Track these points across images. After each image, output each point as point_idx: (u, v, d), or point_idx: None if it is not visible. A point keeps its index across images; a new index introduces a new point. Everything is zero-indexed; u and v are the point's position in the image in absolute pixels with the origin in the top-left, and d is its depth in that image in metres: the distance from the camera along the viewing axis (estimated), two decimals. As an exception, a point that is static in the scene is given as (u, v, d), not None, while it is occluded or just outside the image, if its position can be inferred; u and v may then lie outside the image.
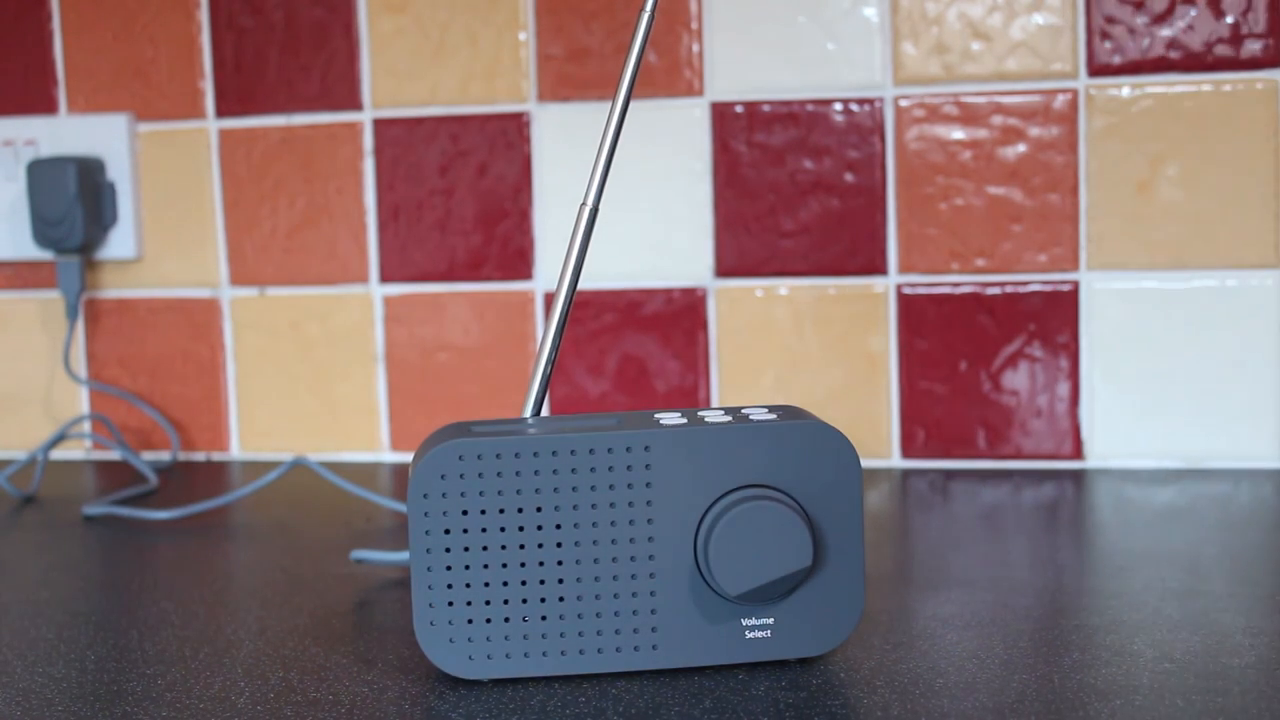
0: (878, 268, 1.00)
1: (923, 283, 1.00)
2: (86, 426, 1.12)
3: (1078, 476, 0.96)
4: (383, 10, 1.05)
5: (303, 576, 0.76)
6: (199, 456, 1.12)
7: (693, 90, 1.01)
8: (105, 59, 1.10)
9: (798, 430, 0.58)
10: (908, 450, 1.01)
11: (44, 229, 1.08)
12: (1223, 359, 0.96)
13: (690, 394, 1.03)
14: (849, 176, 1.00)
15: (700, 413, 0.60)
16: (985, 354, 0.99)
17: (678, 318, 1.03)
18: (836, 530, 0.58)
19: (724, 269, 1.02)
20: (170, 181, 1.10)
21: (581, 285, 1.03)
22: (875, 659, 0.60)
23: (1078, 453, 0.99)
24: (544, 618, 0.58)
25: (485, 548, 0.57)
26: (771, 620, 0.58)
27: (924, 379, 1.00)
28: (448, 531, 0.57)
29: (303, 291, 1.09)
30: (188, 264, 1.10)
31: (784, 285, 1.02)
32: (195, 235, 1.10)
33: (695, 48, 1.01)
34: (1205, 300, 0.96)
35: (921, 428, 1.00)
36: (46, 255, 1.11)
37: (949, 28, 0.98)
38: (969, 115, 0.98)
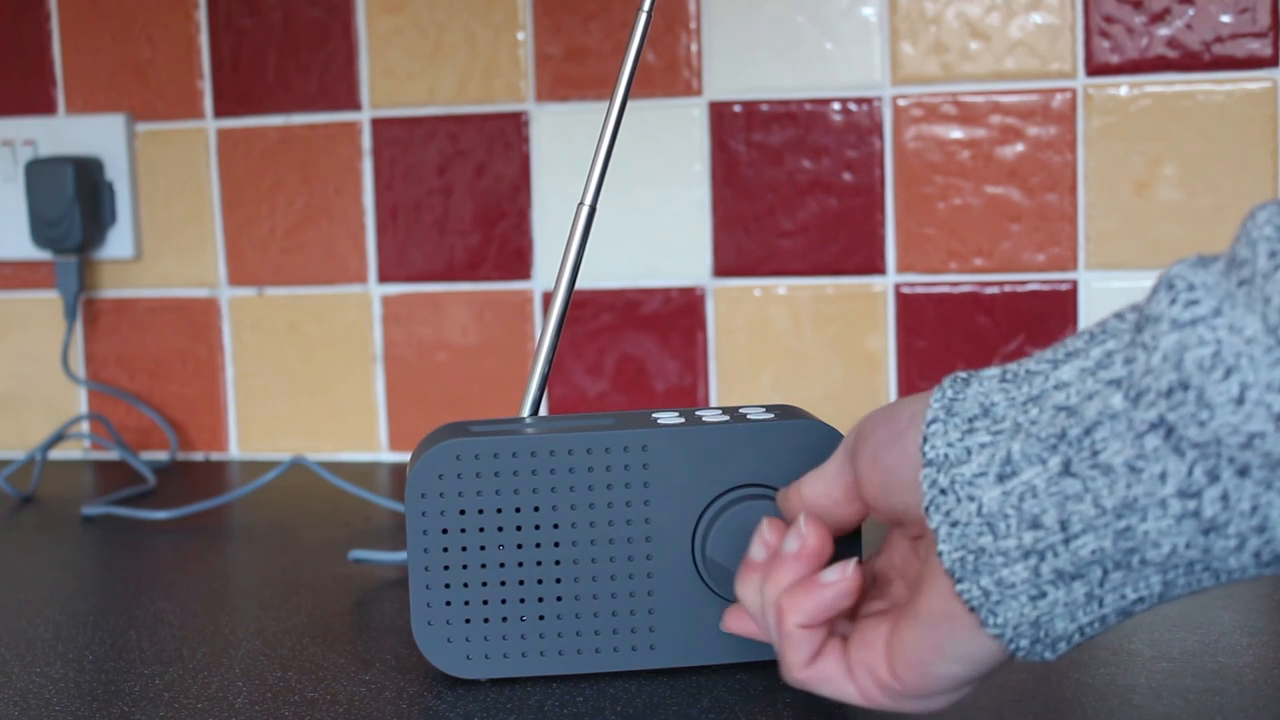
0: (876, 267, 1.00)
1: (921, 282, 1.00)
2: (85, 426, 1.12)
3: (1076, 476, 0.96)
4: (381, 10, 1.05)
5: (301, 576, 0.76)
6: (197, 456, 1.12)
7: (691, 90, 1.01)
8: (103, 59, 1.10)
9: (796, 430, 0.58)
10: (906, 450, 1.01)
11: (42, 229, 1.08)
12: (1221, 358, 0.96)
13: (688, 393, 1.03)
14: (847, 176, 1.00)
15: (698, 412, 0.60)
16: (984, 353, 0.99)
17: (676, 317, 1.03)
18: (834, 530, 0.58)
19: (722, 268, 1.02)
20: (169, 182, 1.10)
21: (580, 285, 1.03)
22: (873, 658, 0.60)
23: (1076, 452, 0.98)
24: (541, 617, 0.58)
25: (483, 547, 0.57)
26: (769, 620, 0.58)
27: (922, 378, 1.00)
28: (445, 531, 0.57)
29: (301, 291, 1.09)
30: (186, 264, 1.10)
31: (782, 285, 1.02)
32: (194, 235, 1.10)
33: (693, 47, 1.01)
34: (1204, 299, 0.96)
35: (920, 427, 1.00)
36: (45, 255, 1.11)
37: (947, 27, 0.98)
38: (967, 115, 0.98)
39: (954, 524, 0.45)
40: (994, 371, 0.47)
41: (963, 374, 0.48)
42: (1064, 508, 0.43)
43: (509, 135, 1.04)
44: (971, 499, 0.45)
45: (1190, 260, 0.41)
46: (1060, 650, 0.46)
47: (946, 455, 0.46)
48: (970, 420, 0.46)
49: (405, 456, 1.08)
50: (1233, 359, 0.38)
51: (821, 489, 0.52)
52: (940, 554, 0.45)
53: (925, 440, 0.46)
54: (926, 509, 0.46)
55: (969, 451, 0.45)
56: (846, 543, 0.58)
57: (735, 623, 0.55)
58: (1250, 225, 0.39)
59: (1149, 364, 0.40)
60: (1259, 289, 0.38)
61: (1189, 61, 0.95)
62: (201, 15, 1.08)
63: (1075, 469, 0.42)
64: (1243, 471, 0.39)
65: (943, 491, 0.45)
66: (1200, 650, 0.60)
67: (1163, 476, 0.40)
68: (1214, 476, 0.39)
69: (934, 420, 0.46)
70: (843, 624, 0.52)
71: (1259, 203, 0.40)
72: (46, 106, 1.11)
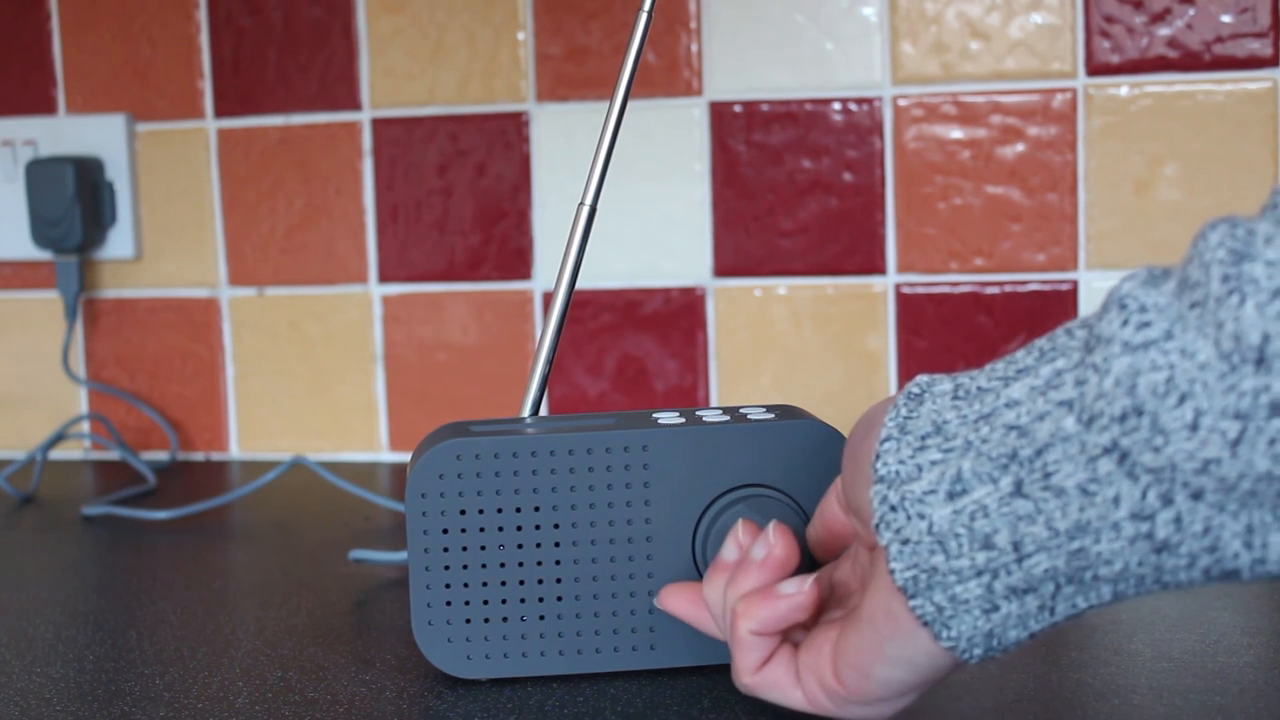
0: (876, 267, 1.00)
1: (921, 282, 1.00)
2: (85, 426, 1.12)
3: (1076, 476, 0.96)
4: (381, 10, 1.05)
5: (301, 576, 0.76)
6: (198, 456, 1.12)
7: (691, 90, 1.01)
8: (104, 59, 1.10)
9: (796, 430, 0.58)
10: (906, 450, 1.01)
11: (43, 229, 1.08)
12: (1221, 358, 0.96)
13: (689, 393, 1.03)
14: (847, 176, 1.00)
15: (698, 412, 0.60)
16: (984, 353, 0.99)
17: (676, 317, 1.03)
18: (834, 529, 0.58)
19: (723, 268, 1.02)
20: (169, 182, 1.10)
21: (580, 285, 1.03)
22: (873, 658, 0.60)
23: (1076, 452, 0.98)
24: (542, 617, 0.58)
25: (483, 547, 0.57)
26: (769, 620, 0.58)
27: (923, 378, 1.00)
28: (446, 531, 0.57)
29: (301, 291, 1.09)
30: (186, 264, 1.10)
31: (783, 285, 1.02)
32: (194, 235, 1.10)
33: (694, 47, 1.01)
34: (1204, 299, 0.96)
35: (920, 427, 1.00)
36: (45, 255, 1.11)
37: (947, 27, 0.98)
38: (968, 115, 0.98)
39: (904, 541, 0.45)
40: (947, 386, 0.47)
41: (916, 387, 0.48)
42: (1016, 528, 0.43)
43: (509, 135, 1.04)
44: (922, 516, 0.45)
45: (1140, 276, 0.41)
46: (1010, 651, 0.46)
47: (897, 472, 0.46)
48: (922, 438, 0.46)
49: (405, 456, 1.08)
50: (1186, 385, 0.38)
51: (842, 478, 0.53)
52: (892, 571, 0.45)
53: (878, 457, 0.46)
54: (877, 526, 0.46)
55: (920, 469, 0.45)
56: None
57: (671, 601, 0.56)
58: (1203, 246, 0.39)
59: (1101, 387, 0.40)
60: (1211, 313, 0.38)
61: (1189, 61, 0.95)
62: (201, 15, 1.08)
63: (1027, 490, 0.42)
64: (1196, 495, 0.39)
65: (893, 508, 0.45)
66: (1201, 650, 0.60)
67: (1116, 500, 0.41)
68: (1167, 500, 0.40)
69: (887, 438, 0.47)
70: (798, 632, 0.52)
71: (1210, 220, 0.40)
72: (46, 106, 1.11)
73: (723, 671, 0.59)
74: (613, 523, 0.58)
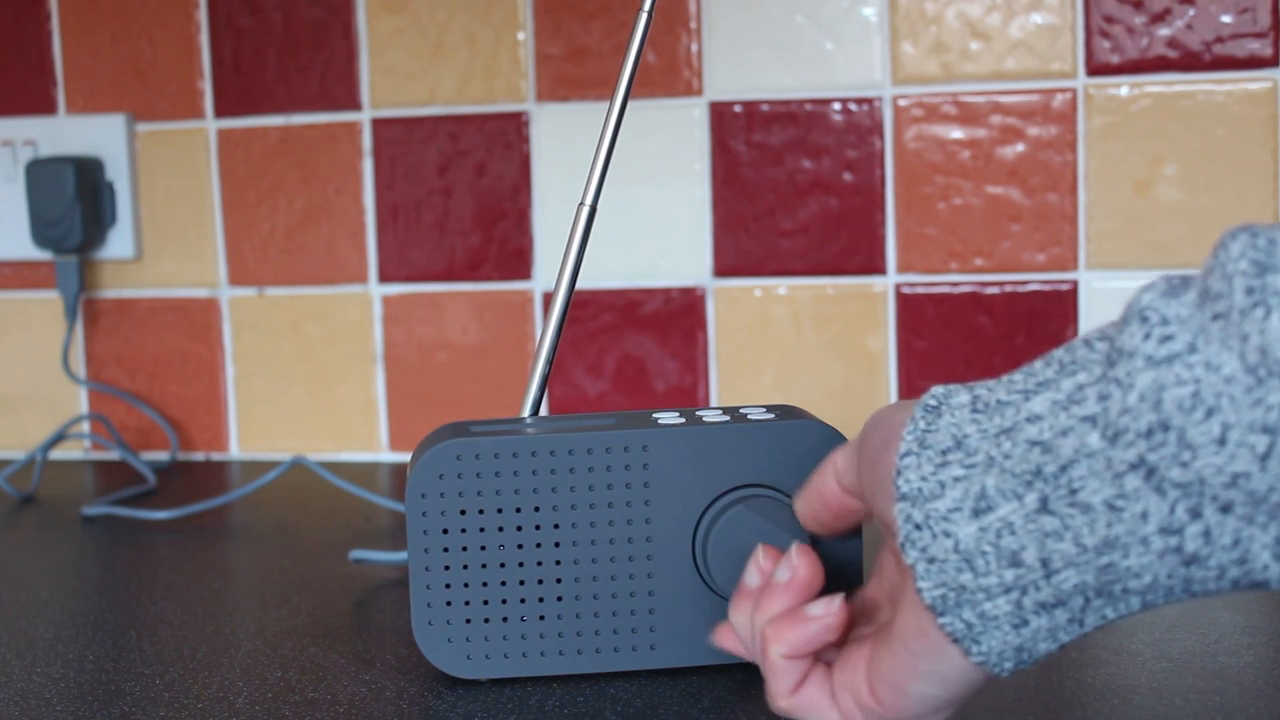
0: (876, 267, 1.00)
1: (921, 282, 1.00)
2: (85, 426, 1.12)
3: (1076, 476, 0.96)
4: (381, 10, 1.05)
5: (301, 576, 0.76)
6: (198, 456, 1.12)
7: (691, 90, 1.01)
8: (104, 59, 1.10)
9: (796, 430, 0.58)
10: (906, 450, 1.01)
11: (43, 229, 1.08)
12: (1221, 358, 0.96)
13: (689, 394, 1.03)
14: (848, 176, 1.00)
15: (698, 412, 0.60)
16: (984, 353, 0.99)
17: (676, 317, 1.03)
18: (834, 530, 0.58)
19: (723, 268, 1.02)
20: (169, 182, 1.10)
21: (580, 285, 1.03)
22: (873, 658, 0.60)
23: (1076, 452, 0.98)
24: (542, 617, 0.58)
25: (483, 547, 0.57)
26: (770, 620, 0.58)
27: (923, 378, 1.00)
28: (446, 531, 0.57)
29: (301, 291, 1.09)
30: (186, 264, 1.10)
31: (783, 285, 1.02)
32: (194, 235, 1.10)
33: (694, 47, 1.01)
34: (1204, 299, 0.96)
35: (920, 427, 1.00)
36: (45, 255, 1.11)
37: (948, 27, 0.98)
38: (968, 115, 0.98)
39: (931, 560, 0.45)
40: (965, 398, 0.47)
41: (933, 399, 0.47)
42: (1044, 545, 0.43)
43: (509, 135, 1.04)
44: (947, 535, 0.45)
45: (1160, 288, 0.40)
46: (1040, 661, 0.46)
47: (920, 490, 0.45)
48: (943, 453, 0.45)
49: (405, 456, 1.08)
50: (1213, 399, 0.38)
51: (845, 462, 0.52)
52: (920, 590, 0.45)
53: (899, 474, 0.46)
54: (902, 545, 0.46)
55: (943, 486, 0.45)
56: (848, 574, 0.58)
57: (726, 640, 0.56)
58: (1224, 257, 0.39)
59: (1125, 403, 0.40)
60: (1236, 325, 0.38)
61: (1189, 61, 0.95)
62: (201, 15, 1.08)
63: (1053, 507, 0.42)
64: (1225, 509, 0.39)
65: (918, 527, 0.45)
66: (1201, 650, 0.60)
67: (1144, 515, 0.40)
68: (1196, 514, 0.40)
69: (907, 453, 0.46)
70: (829, 651, 0.52)
71: (1230, 229, 0.40)
72: (47, 106, 1.11)
73: (723, 671, 0.59)
74: (613, 523, 0.58)
